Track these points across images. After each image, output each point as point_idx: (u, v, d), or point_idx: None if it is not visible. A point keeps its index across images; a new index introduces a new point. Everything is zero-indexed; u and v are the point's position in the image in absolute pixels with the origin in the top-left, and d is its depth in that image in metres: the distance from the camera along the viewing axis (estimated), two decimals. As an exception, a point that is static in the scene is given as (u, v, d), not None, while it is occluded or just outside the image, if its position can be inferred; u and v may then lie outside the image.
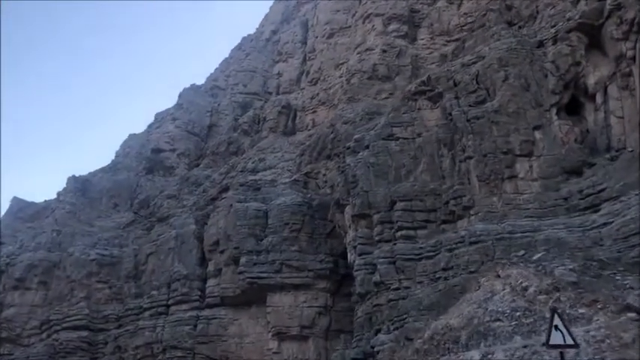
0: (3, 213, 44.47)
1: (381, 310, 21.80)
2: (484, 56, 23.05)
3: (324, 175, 32.66)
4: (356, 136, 26.87)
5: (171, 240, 33.65)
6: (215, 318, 30.44)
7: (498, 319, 16.39)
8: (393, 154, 24.39)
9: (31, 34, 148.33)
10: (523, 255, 17.70)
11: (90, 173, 44.44)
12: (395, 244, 22.39)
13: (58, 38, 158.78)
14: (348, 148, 26.98)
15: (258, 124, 43.12)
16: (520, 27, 24.66)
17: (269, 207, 31.04)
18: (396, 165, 24.14)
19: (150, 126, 47.24)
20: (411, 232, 22.41)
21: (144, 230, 36.82)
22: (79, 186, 41.01)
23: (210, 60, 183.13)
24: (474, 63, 23.24)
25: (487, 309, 16.99)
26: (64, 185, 41.34)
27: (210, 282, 31.57)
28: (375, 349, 20.58)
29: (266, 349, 28.96)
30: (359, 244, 24.29)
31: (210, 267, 31.83)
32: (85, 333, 32.72)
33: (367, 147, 25.63)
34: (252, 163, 36.33)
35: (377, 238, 23.47)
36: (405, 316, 20.18)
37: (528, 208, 19.74)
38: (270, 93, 46.32)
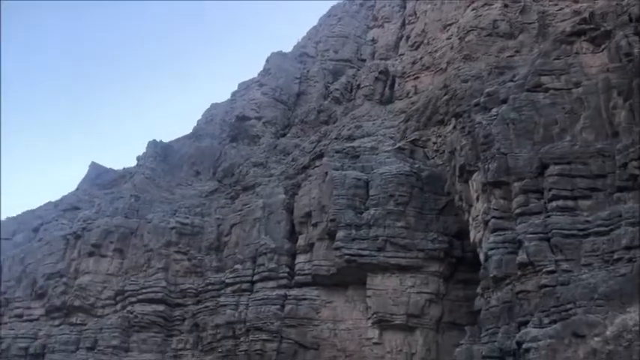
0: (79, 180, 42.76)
1: (529, 297, 17.28)
2: (673, -18, 17.98)
3: (435, 143, 28.29)
4: (488, 90, 22.37)
5: (258, 210, 30.27)
6: (305, 299, 26.74)
7: None
8: (540, 108, 19.72)
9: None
10: None
11: (171, 141, 41.94)
12: (548, 216, 17.77)
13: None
14: (477, 105, 22.52)
15: (350, 92, 39.20)
16: None
17: (370, 176, 27.02)
18: (545, 121, 19.47)
19: (234, 94, 44.20)
20: (570, 203, 17.72)
21: (227, 199, 33.67)
22: (159, 151, 38.48)
23: (294, 31, 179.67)
24: (658, -8, 18.20)
25: None
26: (144, 150, 38.87)
27: (301, 258, 27.94)
28: (524, 347, 16.12)
29: (365, 339, 24.98)
30: (492, 217, 19.83)
31: (301, 241, 28.20)
32: (161, 307, 29.88)
33: (504, 101, 21.13)
34: (348, 130, 32.36)
35: (518, 211, 18.93)
36: (570, 306, 15.61)
37: None
38: (364, 60, 42.21)
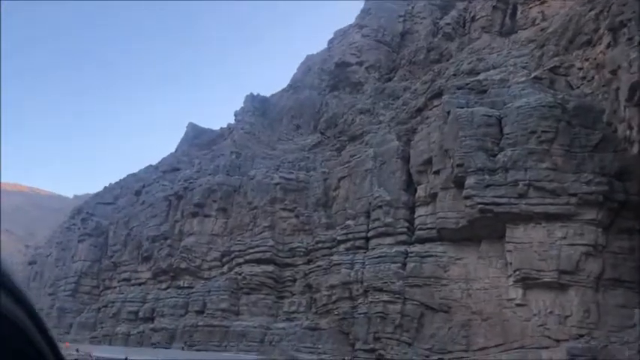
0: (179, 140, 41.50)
1: None
2: None
3: (581, 68, 23.64)
4: (665, -13, 17.58)
5: (368, 160, 27.21)
6: (430, 255, 23.53)
7: None
8: None
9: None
10: None
11: (267, 96, 39.57)
12: None
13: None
14: (649, 8, 17.83)
15: (464, 26, 34.80)
16: None
17: (504, 112, 23.03)
18: None
19: (330, 42, 40.98)
20: None
21: (333, 151, 30.88)
22: (257, 105, 36.28)
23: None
24: None
25: None
26: (242, 105, 36.73)
27: (421, 211, 24.71)
28: None
29: (505, 299, 21.46)
30: (686, 144, 15.46)
31: (420, 192, 24.90)
32: (270, 267, 27.82)
33: (693, -3, 16.38)
34: (469, 64, 28.27)
35: None
36: None
37: None
38: (476, -9, 37.38)
